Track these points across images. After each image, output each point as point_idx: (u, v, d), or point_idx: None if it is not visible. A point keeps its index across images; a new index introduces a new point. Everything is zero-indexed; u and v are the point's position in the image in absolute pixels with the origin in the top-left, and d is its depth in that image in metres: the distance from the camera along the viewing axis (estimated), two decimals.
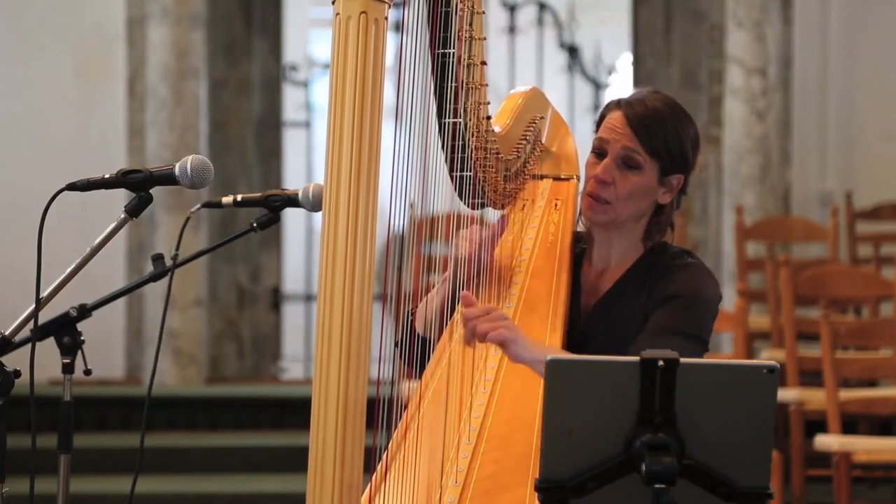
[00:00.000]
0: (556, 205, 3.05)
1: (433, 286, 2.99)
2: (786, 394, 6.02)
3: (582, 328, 2.92)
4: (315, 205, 2.78)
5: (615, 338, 2.86)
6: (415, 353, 2.90)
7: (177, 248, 2.73)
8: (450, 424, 2.76)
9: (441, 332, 2.92)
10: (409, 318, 2.96)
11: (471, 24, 2.81)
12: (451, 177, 2.87)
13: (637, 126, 2.85)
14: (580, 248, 3.00)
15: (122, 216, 2.73)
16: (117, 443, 7.34)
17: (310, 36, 11.56)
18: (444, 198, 2.85)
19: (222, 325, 9.51)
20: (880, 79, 8.96)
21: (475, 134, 2.85)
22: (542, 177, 3.10)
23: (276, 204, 2.83)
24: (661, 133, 2.85)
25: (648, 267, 2.91)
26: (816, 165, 8.98)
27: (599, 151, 2.89)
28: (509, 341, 2.66)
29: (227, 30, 9.52)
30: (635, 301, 2.88)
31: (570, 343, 2.89)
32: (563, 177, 3.08)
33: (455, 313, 2.92)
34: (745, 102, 8.42)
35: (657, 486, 2.15)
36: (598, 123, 2.93)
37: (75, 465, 2.72)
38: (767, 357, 6.86)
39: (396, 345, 2.94)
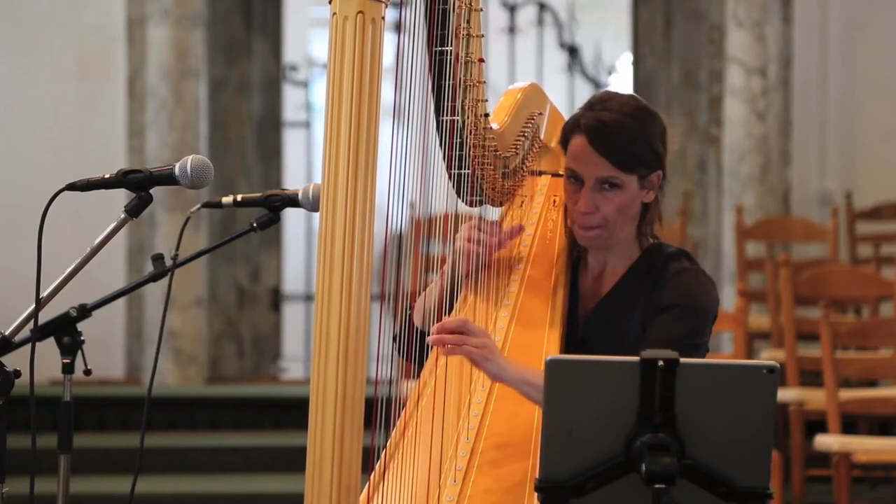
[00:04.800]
0: (554, 201, 3.05)
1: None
2: (786, 394, 6.02)
3: (581, 332, 2.91)
4: (315, 205, 2.78)
5: (614, 341, 2.86)
6: (413, 349, 2.89)
7: (177, 248, 2.73)
8: (448, 423, 2.76)
9: None
10: (408, 314, 2.96)
11: (468, 22, 2.81)
12: (450, 175, 2.87)
13: (604, 150, 2.82)
14: (576, 252, 2.99)
15: (122, 216, 2.72)
16: (117, 443, 7.34)
17: (310, 36, 11.55)
18: (442, 196, 2.85)
19: (222, 325, 9.51)
20: (880, 79, 8.95)
21: (473, 131, 2.85)
22: (540, 173, 3.09)
23: (276, 204, 2.83)
24: (629, 148, 2.83)
25: (646, 268, 2.90)
26: (816, 165, 8.97)
27: (574, 177, 2.87)
28: (480, 360, 2.66)
29: (227, 30, 9.52)
30: (635, 304, 2.87)
31: (569, 347, 2.88)
32: (561, 173, 3.08)
33: (453, 311, 2.92)
34: (745, 102, 8.41)
35: (657, 486, 2.15)
36: (563, 144, 2.90)
37: (75, 465, 2.71)
38: (767, 357, 6.86)
39: (394, 339, 2.94)
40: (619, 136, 2.82)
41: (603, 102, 2.87)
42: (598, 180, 2.83)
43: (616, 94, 2.91)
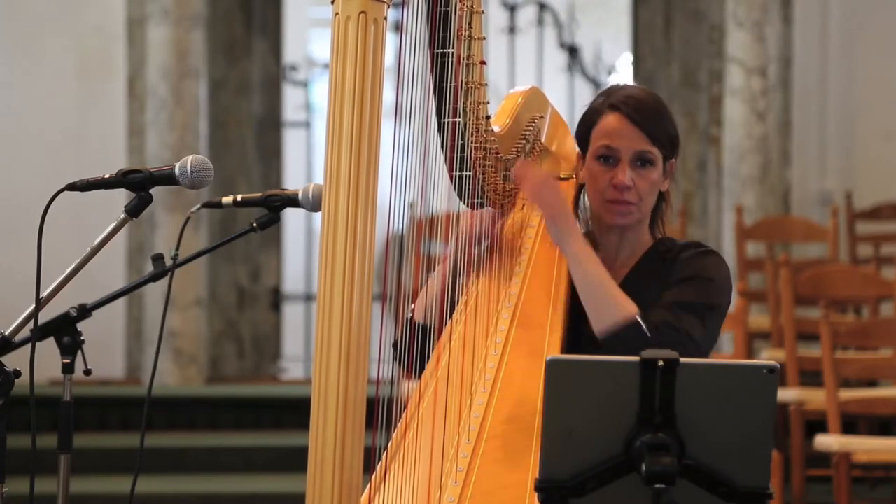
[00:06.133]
0: None
1: None
2: (786, 394, 6.02)
3: (589, 328, 2.91)
4: (315, 205, 2.78)
5: None
6: (414, 353, 2.89)
7: (177, 248, 2.73)
8: (449, 424, 2.76)
9: (441, 319, 2.91)
10: (409, 317, 2.95)
11: (470, 24, 2.81)
12: (451, 176, 2.87)
13: (642, 123, 2.88)
14: None
15: (122, 216, 2.72)
16: (117, 443, 7.34)
17: (310, 36, 11.55)
18: (443, 197, 2.85)
19: (222, 325, 9.51)
20: (880, 79, 8.95)
21: (475, 133, 2.85)
22: None
23: (276, 204, 2.83)
24: (660, 123, 2.90)
25: (659, 257, 2.93)
26: (816, 165, 8.98)
27: (608, 157, 2.89)
28: (549, 220, 2.83)
29: (227, 30, 9.52)
30: (648, 294, 2.88)
31: (575, 343, 2.88)
32: (562, 176, 3.08)
33: (455, 313, 2.92)
34: (745, 102, 8.41)
35: (657, 486, 2.15)
36: (586, 131, 2.93)
37: (75, 465, 2.71)
38: (767, 357, 6.86)
39: (394, 346, 2.94)
40: (651, 110, 2.90)
41: (618, 89, 2.95)
42: (635, 154, 2.88)
43: (626, 84, 2.99)
